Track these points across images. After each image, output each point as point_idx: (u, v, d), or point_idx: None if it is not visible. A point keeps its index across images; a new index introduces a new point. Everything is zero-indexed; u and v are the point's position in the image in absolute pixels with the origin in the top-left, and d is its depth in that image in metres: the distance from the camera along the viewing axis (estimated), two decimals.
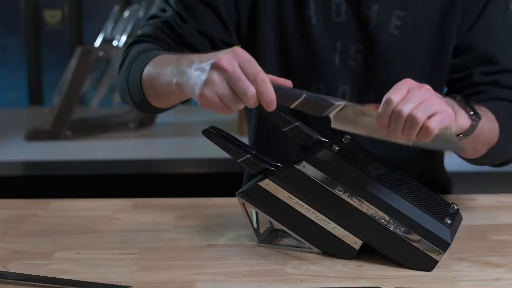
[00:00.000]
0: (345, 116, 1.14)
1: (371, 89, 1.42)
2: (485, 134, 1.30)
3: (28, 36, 2.65)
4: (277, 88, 1.11)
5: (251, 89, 1.08)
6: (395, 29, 1.40)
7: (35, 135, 2.24)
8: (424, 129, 1.11)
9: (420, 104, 1.11)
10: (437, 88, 1.44)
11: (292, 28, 1.42)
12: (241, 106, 1.11)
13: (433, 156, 1.53)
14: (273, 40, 1.42)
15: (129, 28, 2.36)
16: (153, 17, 1.44)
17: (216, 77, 1.09)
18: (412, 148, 1.40)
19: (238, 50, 1.10)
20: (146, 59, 1.29)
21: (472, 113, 1.23)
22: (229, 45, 1.43)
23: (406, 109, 1.10)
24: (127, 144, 2.25)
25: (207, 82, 1.10)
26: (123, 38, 2.34)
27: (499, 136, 1.33)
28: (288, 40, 1.42)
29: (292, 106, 1.13)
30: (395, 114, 1.11)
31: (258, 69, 1.09)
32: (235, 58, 1.09)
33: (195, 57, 1.15)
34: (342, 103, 1.13)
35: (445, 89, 1.50)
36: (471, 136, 1.24)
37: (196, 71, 1.12)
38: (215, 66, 1.09)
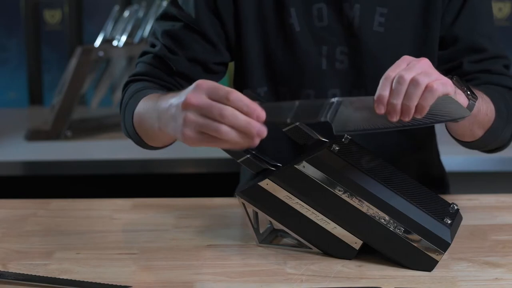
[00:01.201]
0: (343, 115, 1.12)
1: (361, 89, 1.43)
2: (482, 115, 1.29)
3: (28, 36, 2.64)
4: (268, 106, 1.10)
5: (227, 109, 1.07)
6: (380, 27, 1.40)
7: (35, 135, 2.24)
8: (428, 89, 1.09)
9: (421, 72, 1.10)
10: None
11: (276, 37, 1.42)
12: (228, 135, 1.08)
13: (425, 148, 1.53)
14: (258, 51, 1.43)
15: (129, 28, 2.36)
16: (145, 53, 1.45)
17: (190, 115, 1.09)
18: (404, 141, 1.41)
19: (200, 82, 1.11)
20: (136, 101, 1.32)
21: (469, 93, 1.22)
22: (222, 64, 1.44)
23: (408, 75, 1.10)
24: (127, 144, 2.24)
25: (184, 124, 1.10)
26: (123, 38, 2.34)
27: (494, 117, 1.33)
28: (273, 49, 1.42)
29: (289, 120, 1.13)
30: (397, 80, 1.10)
31: (227, 89, 1.09)
32: (200, 91, 1.09)
33: (167, 97, 1.17)
34: (336, 99, 1.12)
35: None
36: (468, 116, 1.23)
37: (169, 115, 1.14)
38: (185, 106, 1.09)
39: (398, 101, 1.10)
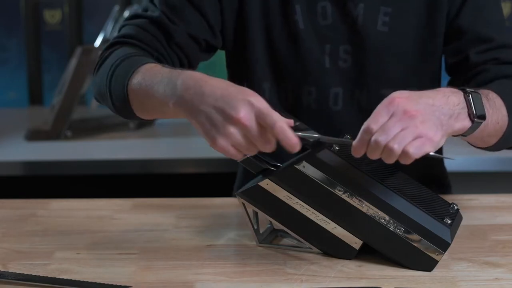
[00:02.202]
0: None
1: (363, 89, 1.43)
2: (491, 126, 1.25)
3: (28, 36, 2.65)
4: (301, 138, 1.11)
5: (270, 145, 1.09)
6: (384, 26, 1.40)
7: (35, 135, 2.24)
8: (403, 154, 1.09)
9: (398, 134, 1.09)
10: (429, 77, 1.44)
11: (280, 33, 1.41)
12: (257, 151, 1.11)
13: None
14: (262, 46, 1.42)
15: None
16: (135, 16, 1.40)
17: (233, 131, 1.08)
18: None
19: (253, 100, 1.08)
20: (132, 66, 1.25)
21: (475, 112, 1.18)
22: (212, 47, 1.42)
23: (382, 139, 1.09)
24: (127, 144, 2.25)
25: (224, 134, 1.08)
26: None
27: (507, 123, 1.29)
28: (277, 45, 1.42)
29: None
30: (372, 145, 1.10)
31: (275, 118, 1.07)
32: (252, 110, 1.08)
33: (202, 82, 1.12)
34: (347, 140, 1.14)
35: (439, 84, 1.50)
36: (474, 133, 1.22)
37: (207, 113, 1.10)
38: (235, 121, 1.07)
39: (374, 158, 1.11)
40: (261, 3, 1.41)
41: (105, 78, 1.29)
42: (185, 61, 1.39)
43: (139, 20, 1.38)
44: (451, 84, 1.44)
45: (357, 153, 1.11)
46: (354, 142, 1.11)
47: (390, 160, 1.10)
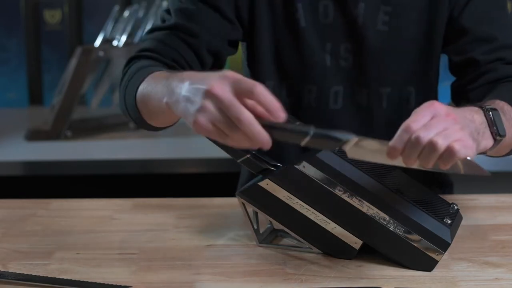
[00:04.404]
0: (360, 149, 1.07)
1: (364, 87, 1.43)
2: (508, 140, 1.22)
3: (28, 36, 2.64)
4: (281, 127, 1.04)
5: (245, 113, 1.02)
6: (384, 25, 1.40)
7: (35, 135, 2.24)
8: (448, 151, 1.03)
9: (443, 131, 1.04)
10: (428, 77, 1.44)
11: (283, 31, 1.42)
12: (237, 136, 1.04)
13: None
14: (268, 44, 1.42)
15: (129, 28, 2.36)
16: (153, 30, 1.41)
17: (208, 104, 1.04)
18: None
19: (228, 72, 1.06)
20: (140, 76, 1.26)
21: (499, 133, 1.17)
22: (234, 41, 1.42)
23: (425, 135, 1.03)
24: (127, 144, 2.25)
25: (200, 110, 1.05)
26: (123, 38, 2.34)
27: None
28: (281, 43, 1.42)
29: (302, 144, 1.05)
30: (412, 141, 1.03)
31: (252, 82, 1.03)
32: (226, 82, 1.04)
33: (185, 75, 1.11)
34: (351, 138, 1.05)
35: (444, 88, 1.50)
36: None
37: (186, 95, 1.08)
38: (207, 93, 1.04)
39: (410, 161, 1.05)
40: (268, 1, 1.41)
41: (122, 93, 1.32)
42: (209, 60, 1.39)
43: (156, 33, 1.40)
44: (455, 84, 1.44)
45: (393, 154, 1.04)
46: (391, 143, 1.05)
47: (429, 163, 1.04)
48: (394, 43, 1.41)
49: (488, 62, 1.40)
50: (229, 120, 1.03)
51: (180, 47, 1.37)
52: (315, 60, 1.42)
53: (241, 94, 1.03)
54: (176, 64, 1.36)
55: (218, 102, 1.03)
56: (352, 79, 1.43)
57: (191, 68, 1.37)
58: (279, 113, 1.03)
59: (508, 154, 1.32)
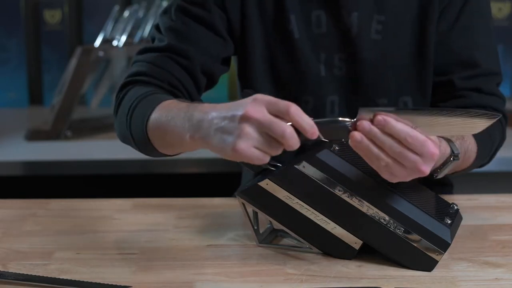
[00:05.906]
0: None
1: (359, 96, 1.43)
2: (460, 161, 1.27)
3: (28, 36, 2.65)
4: (322, 124, 1.09)
5: (288, 129, 1.04)
6: (377, 34, 1.40)
7: (35, 135, 2.24)
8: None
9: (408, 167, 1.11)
10: (422, 86, 1.44)
11: (277, 43, 1.42)
12: (281, 150, 1.07)
13: None
14: (261, 56, 1.42)
15: (129, 28, 2.36)
16: (145, 51, 1.39)
17: (248, 129, 1.04)
18: None
19: (259, 95, 1.06)
20: (149, 105, 1.24)
21: (452, 158, 1.22)
22: (227, 58, 1.42)
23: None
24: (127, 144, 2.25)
25: (239, 136, 1.04)
26: (123, 38, 2.34)
27: (475, 157, 1.36)
28: (275, 55, 1.42)
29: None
30: (375, 153, 1.10)
31: (287, 103, 1.05)
32: (260, 104, 1.05)
33: (207, 107, 1.10)
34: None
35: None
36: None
37: (219, 127, 1.07)
38: (245, 119, 1.04)
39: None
40: (259, 12, 1.41)
41: (125, 120, 1.30)
42: (203, 81, 1.39)
43: (149, 54, 1.38)
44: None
45: (355, 137, 1.10)
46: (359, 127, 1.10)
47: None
48: (388, 52, 1.41)
49: (464, 89, 1.42)
50: (271, 139, 1.05)
51: (175, 69, 1.36)
52: (309, 71, 1.41)
53: (276, 115, 1.05)
54: (173, 88, 1.35)
55: (258, 124, 1.04)
56: (347, 89, 1.43)
57: (188, 92, 1.37)
58: (314, 131, 1.07)
59: (466, 171, 1.39)
